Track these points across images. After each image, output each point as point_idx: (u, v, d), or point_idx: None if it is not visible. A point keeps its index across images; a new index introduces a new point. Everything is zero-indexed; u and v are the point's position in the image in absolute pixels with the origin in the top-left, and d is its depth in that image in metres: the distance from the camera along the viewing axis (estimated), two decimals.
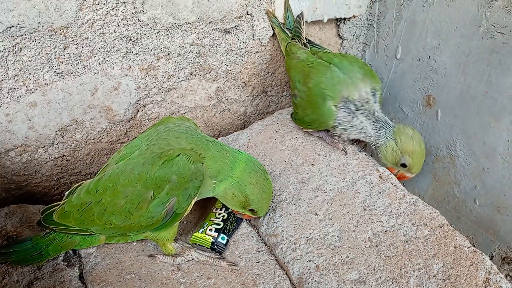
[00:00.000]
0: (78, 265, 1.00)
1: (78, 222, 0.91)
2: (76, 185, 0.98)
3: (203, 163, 0.89)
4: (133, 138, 1.00)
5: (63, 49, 1.04)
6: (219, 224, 1.04)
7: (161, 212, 0.86)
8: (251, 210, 0.97)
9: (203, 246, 1.02)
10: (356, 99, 1.12)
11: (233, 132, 1.35)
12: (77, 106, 1.13)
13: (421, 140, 1.11)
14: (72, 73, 1.09)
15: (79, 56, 1.07)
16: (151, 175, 0.85)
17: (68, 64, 1.07)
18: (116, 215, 0.87)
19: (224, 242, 1.02)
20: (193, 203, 0.89)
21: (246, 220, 1.09)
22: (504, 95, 1.08)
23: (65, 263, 0.99)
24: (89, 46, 1.07)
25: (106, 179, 0.88)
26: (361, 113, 1.13)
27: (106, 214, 0.87)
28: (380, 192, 1.10)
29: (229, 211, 1.07)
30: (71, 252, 1.02)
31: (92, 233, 0.94)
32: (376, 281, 0.92)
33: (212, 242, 1.01)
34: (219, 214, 1.07)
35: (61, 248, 0.97)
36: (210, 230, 1.03)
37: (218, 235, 1.02)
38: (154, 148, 0.89)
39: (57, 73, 1.07)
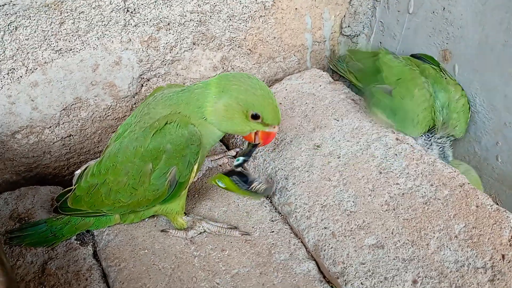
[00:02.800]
0: (91, 243, 1.00)
1: (89, 204, 0.91)
2: (84, 167, 0.98)
3: (192, 123, 0.83)
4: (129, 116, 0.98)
5: (59, 25, 1.01)
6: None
7: (164, 183, 0.84)
8: (257, 118, 0.83)
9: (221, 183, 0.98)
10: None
11: None
12: (79, 83, 1.11)
13: None
14: (71, 49, 1.06)
15: (76, 32, 1.04)
16: (146, 148, 0.83)
17: (66, 40, 1.04)
18: (122, 193, 0.86)
19: (239, 162, 0.97)
20: (195, 169, 0.87)
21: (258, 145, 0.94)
22: None
23: (78, 242, 0.99)
24: (86, 20, 1.03)
25: (106, 160, 0.87)
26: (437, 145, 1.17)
27: (113, 193, 0.87)
28: (396, 154, 1.05)
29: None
30: (84, 231, 1.02)
31: (106, 214, 0.94)
32: (395, 245, 0.89)
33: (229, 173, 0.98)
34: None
35: (75, 229, 0.98)
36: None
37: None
38: (141, 123, 0.86)
39: (56, 51, 1.04)
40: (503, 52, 1.07)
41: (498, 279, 0.81)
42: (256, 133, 0.88)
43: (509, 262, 0.83)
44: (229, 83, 0.82)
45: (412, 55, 1.29)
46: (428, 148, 1.16)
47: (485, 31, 1.09)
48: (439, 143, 1.18)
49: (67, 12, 1.00)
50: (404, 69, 1.19)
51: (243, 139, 1.17)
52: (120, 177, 0.85)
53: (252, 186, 0.96)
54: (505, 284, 0.80)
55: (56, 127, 1.14)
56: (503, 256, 0.84)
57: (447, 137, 1.18)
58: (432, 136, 1.16)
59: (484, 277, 0.82)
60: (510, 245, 0.85)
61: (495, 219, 0.90)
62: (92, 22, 1.04)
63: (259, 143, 0.90)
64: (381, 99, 1.13)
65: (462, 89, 1.18)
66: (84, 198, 0.91)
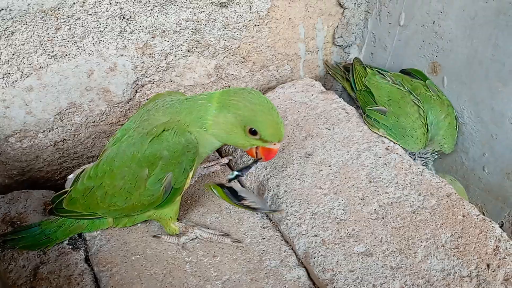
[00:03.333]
0: (83, 248, 1.00)
1: (85, 207, 0.92)
2: (80, 170, 0.98)
3: (190, 131, 0.84)
4: (127, 120, 0.99)
5: (55, 31, 1.02)
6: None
7: (160, 189, 0.85)
8: (255, 134, 0.83)
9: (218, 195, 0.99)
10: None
11: None
12: (74, 89, 1.11)
13: None
14: (66, 55, 1.06)
15: (72, 38, 1.05)
16: (143, 154, 0.84)
17: (61, 46, 1.05)
18: (117, 197, 0.87)
19: (232, 176, 0.97)
20: (191, 176, 0.88)
21: (258, 161, 0.94)
22: None
23: (70, 247, 0.99)
24: (82, 26, 1.04)
25: (104, 163, 0.88)
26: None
27: (108, 196, 0.88)
28: (385, 164, 1.07)
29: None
30: (76, 235, 1.02)
31: (100, 217, 0.95)
32: (383, 253, 0.91)
33: (221, 185, 0.98)
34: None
35: (69, 232, 0.99)
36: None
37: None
38: (139, 129, 0.87)
39: (51, 56, 1.05)
40: (490, 66, 1.10)
41: None
42: (257, 148, 0.88)
43: (493, 271, 0.85)
44: (229, 98, 0.83)
45: (401, 71, 1.32)
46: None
47: (474, 45, 1.12)
48: (423, 158, 1.21)
49: (64, 18, 1.01)
50: (392, 89, 1.22)
51: (238, 149, 1.19)
52: (116, 181, 0.86)
53: (242, 202, 0.97)
54: None
55: (49, 131, 1.15)
56: (488, 265, 0.86)
57: (432, 153, 1.22)
58: (417, 151, 1.20)
59: (469, 286, 0.84)
60: (495, 255, 0.88)
61: (481, 229, 0.92)
62: (88, 28, 1.05)
63: (261, 158, 0.90)
64: (379, 120, 1.17)
65: (449, 105, 1.21)
66: (80, 200, 0.91)
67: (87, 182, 0.90)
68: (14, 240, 0.97)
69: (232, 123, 0.82)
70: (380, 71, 1.31)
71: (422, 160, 1.22)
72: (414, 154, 1.20)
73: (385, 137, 1.16)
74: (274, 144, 0.86)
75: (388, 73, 1.29)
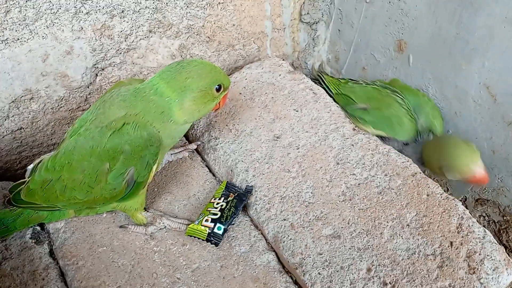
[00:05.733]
0: (47, 242, 0.97)
1: (44, 199, 0.89)
2: (39, 160, 0.95)
3: (152, 125, 0.83)
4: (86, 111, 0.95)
5: (4, 13, 0.95)
6: (216, 214, 0.95)
7: (122, 183, 0.83)
8: (219, 89, 0.88)
9: (199, 238, 0.94)
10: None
11: None
12: (28, 74, 1.05)
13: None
14: (18, 39, 1.00)
15: (23, 21, 0.98)
16: (103, 148, 0.81)
17: (12, 30, 0.98)
18: (78, 191, 0.84)
19: (220, 232, 0.93)
20: (154, 170, 0.86)
21: None
22: (475, 36, 1.05)
23: (33, 241, 0.96)
24: (33, 8, 0.97)
25: (61, 156, 0.85)
26: None
27: (68, 190, 0.85)
28: (353, 145, 1.08)
29: (228, 200, 0.99)
30: (39, 229, 0.99)
31: (61, 209, 0.92)
32: (351, 235, 0.92)
33: (208, 234, 0.93)
34: (217, 203, 0.98)
35: (28, 222, 0.95)
36: (206, 220, 0.94)
37: (215, 225, 0.93)
38: (96, 122, 0.84)
39: (2, 41, 0.98)
40: (454, 44, 1.11)
41: (446, 265, 0.86)
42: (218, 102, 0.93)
43: (456, 248, 0.88)
44: (180, 79, 0.83)
45: None
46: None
47: (438, 23, 1.12)
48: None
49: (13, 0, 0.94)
50: (367, 88, 1.23)
51: (203, 130, 1.17)
52: (75, 175, 0.83)
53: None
54: (453, 270, 0.85)
55: (5, 120, 1.09)
56: (451, 243, 0.89)
57: (427, 135, 1.18)
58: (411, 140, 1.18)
59: (433, 264, 0.87)
60: (457, 232, 0.90)
61: (445, 207, 0.94)
62: (40, 10, 0.98)
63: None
64: (363, 117, 1.16)
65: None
66: (38, 193, 0.88)
67: (45, 174, 0.87)
68: None
69: (200, 97, 0.85)
70: (351, 79, 1.32)
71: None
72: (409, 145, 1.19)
73: (376, 135, 1.14)
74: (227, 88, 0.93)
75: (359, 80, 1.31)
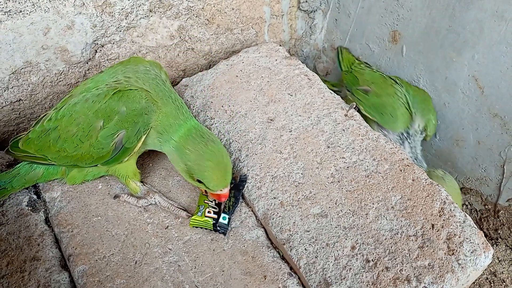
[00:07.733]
0: (43, 210, 1.00)
1: (37, 148, 0.93)
2: (43, 114, 0.98)
3: (155, 111, 0.88)
4: (100, 72, 0.98)
5: None
6: (215, 208, 0.98)
7: (110, 144, 0.87)
8: (201, 182, 0.90)
9: (206, 229, 0.96)
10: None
11: (197, 73, 1.31)
12: (29, 47, 1.07)
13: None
14: (21, 11, 1.01)
15: None
16: (102, 104, 0.85)
17: (15, 1, 1.00)
18: (68, 143, 0.88)
19: (226, 222, 0.95)
20: (143, 139, 0.89)
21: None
22: (467, 29, 1.08)
23: (29, 208, 0.99)
24: None
25: (66, 108, 0.89)
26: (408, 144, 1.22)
27: (60, 140, 0.89)
28: (344, 130, 1.11)
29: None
30: (35, 197, 1.01)
31: (50, 163, 0.95)
32: (337, 214, 0.96)
33: (214, 224, 0.95)
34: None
35: (25, 181, 0.98)
36: (209, 212, 0.96)
37: (219, 216, 0.96)
38: (114, 84, 0.89)
39: (5, 12, 1.00)
40: (446, 36, 1.14)
41: (427, 246, 0.90)
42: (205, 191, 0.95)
43: (437, 231, 0.92)
44: (186, 143, 0.88)
45: None
46: (401, 146, 1.21)
47: (432, 15, 1.15)
48: (411, 139, 1.23)
49: None
50: (375, 74, 1.29)
51: (198, 110, 1.19)
52: (71, 126, 0.87)
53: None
54: (433, 250, 0.89)
55: (5, 91, 1.11)
56: (432, 225, 0.93)
57: (421, 132, 1.23)
58: (406, 133, 1.22)
59: (415, 244, 0.91)
60: (439, 216, 0.94)
61: (428, 192, 0.98)
62: None
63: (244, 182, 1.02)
64: (362, 100, 1.21)
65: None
66: (34, 141, 0.92)
67: (46, 124, 0.91)
68: None
69: (182, 168, 0.90)
70: (366, 62, 1.39)
71: (410, 143, 1.23)
72: (403, 137, 1.23)
73: (368, 117, 1.20)
74: (221, 190, 0.91)
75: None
